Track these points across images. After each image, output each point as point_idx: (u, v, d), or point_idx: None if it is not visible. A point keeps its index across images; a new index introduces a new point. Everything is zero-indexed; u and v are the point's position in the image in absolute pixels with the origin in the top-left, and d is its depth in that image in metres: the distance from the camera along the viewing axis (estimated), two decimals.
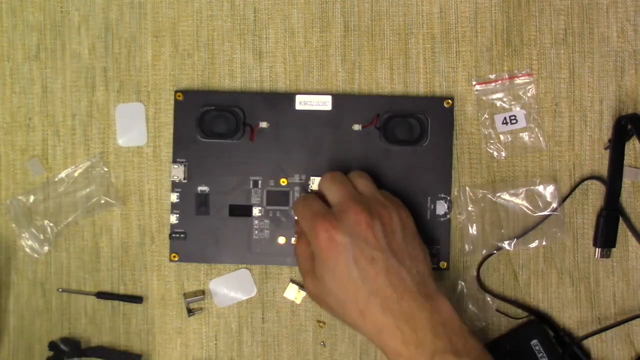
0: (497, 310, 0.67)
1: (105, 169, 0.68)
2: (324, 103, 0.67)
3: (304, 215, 0.60)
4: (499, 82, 0.68)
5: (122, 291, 0.68)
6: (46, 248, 0.68)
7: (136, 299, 0.68)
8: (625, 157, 0.66)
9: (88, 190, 0.68)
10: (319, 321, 0.68)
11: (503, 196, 0.67)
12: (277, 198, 0.67)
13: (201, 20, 0.69)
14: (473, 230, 0.67)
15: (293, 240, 0.67)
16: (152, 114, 0.69)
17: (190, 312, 0.68)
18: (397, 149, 0.67)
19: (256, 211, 0.67)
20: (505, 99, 0.67)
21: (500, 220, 0.67)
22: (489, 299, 0.67)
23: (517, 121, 0.67)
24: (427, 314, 0.55)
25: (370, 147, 0.67)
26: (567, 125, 0.68)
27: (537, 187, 0.67)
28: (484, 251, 0.67)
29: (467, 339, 0.55)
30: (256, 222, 0.67)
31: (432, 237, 0.66)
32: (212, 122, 0.67)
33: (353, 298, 0.57)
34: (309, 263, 0.60)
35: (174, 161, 0.68)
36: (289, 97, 0.67)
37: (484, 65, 0.68)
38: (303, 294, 0.68)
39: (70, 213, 0.68)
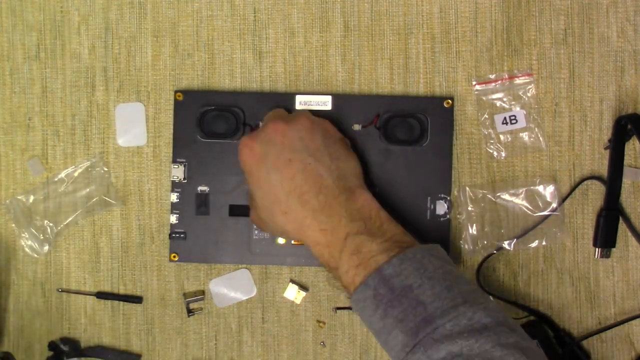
0: None
1: (105, 169, 0.68)
2: (324, 103, 0.67)
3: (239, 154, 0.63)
4: (499, 82, 0.68)
5: (122, 291, 0.68)
6: (46, 248, 0.68)
7: (136, 299, 0.68)
8: (625, 157, 0.66)
9: (88, 190, 0.68)
10: (318, 321, 0.68)
11: (503, 196, 0.67)
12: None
13: (201, 20, 0.69)
14: (473, 230, 0.67)
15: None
16: (152, 114, 0.69)
17: (190, 312, 0.68)
18: (397, 149, 0.67)
19: None
20: (505, 99, 0.67)
21: (500, 220, 0.67)
22: None
23: (517, 121, 0.67)
24: (341, 202, 0.58)
25: (370, 147, 0.67)
26: (567, 125, 0.68)
27: (537, 187, 0.67)
28: (484, 251, 0.67)
29: (383, 222, 0.58)
30: None
31: (432, 237, 0.66)
32: (212, 122, 0.67)
33: (276, 201, 0.59)
34: (250, 198, 0.63)
35: (174, 161, 0.68)
36: (289, 97, 0.67)
37: (484, 65, 0.68)
38: (303, 294, 0.68)
39: (70, 213, 0.68)
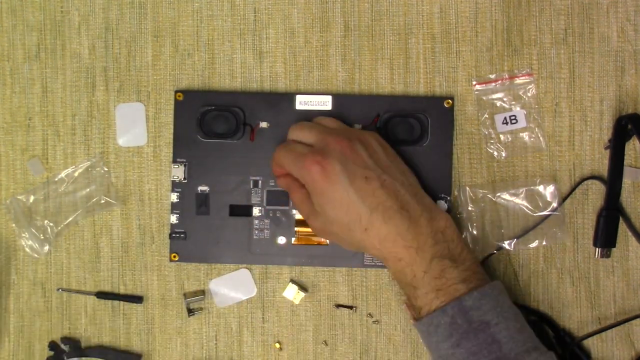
0: None
1: (105, 169, 0.68)
2: (324, 103, 0.67)
3: (290, 160, 0.61)
4: (499, 82, 0.68)
5: (122, 291, 0.68)
6: (46, 248, 0.68)
7: (136, 299, 0.68)
8: (625, 157, 0.66)
9: (88, 190, 0.68)
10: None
11: (503, 196, 0.67)
12: (277, 198, 0.67)
13: (201, 20, 0.69)
14: (473, 230, 0.67)
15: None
16: (152, 114, 0.69)
17: (190, 312, 0.68)
18: (397, 149, 0.66)
19: (256, 211, 0.67)
20: (505, 99, 0.67)
21: (500, 220, 0.67)
22: None
23: (517, 121, 0.67)
24: (426, 222, 0.58)
25: None
26: (567, 125, 0.68)
27: (537, 187, 0.67)
28: (484, 251, 0.67)
29: (463, 248, 0.59)
30: (256, 222, 0.67)
31: None
32: (212, 122, 0.67)
33: (356, 219, 0.58)
34: (308, 204, 0.62)
35: (174, 161, 0.68)
36: (289, 97, 0.67)
37: (484, 65, 0.68)
38: (302, 294, 0.68)
39: (70, 213, 0.68)
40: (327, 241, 0.67)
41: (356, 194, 0.58)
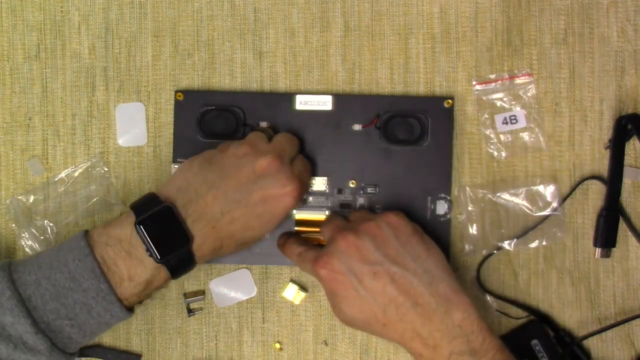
0: (497, 310, 0.67)
1: (106, 169, 0.68)
2: (324, 103, 0.67)
3: (303, 266, 0.62)
4: (499, 82, 0.68)
5: None
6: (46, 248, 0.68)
7: None
8: (625, 157, 0.66)
9: (88, 190, 0.68)
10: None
11: (503, 196, 0.67)
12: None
13: (201, 20, 0.69)
14: (473, 230, 0.67)
15: None
16: (152, 114, 0.69)
17: (190, 312, 0.68)
18: (397, 149, 0.67)
19: None
20: (505, 99, 0.67)
21: (501, 220, 0.67)
22: (489, 299, 0.67)
23: (517, 121, 0.67)
24: (442, 316, 0.56)
25: (370, 147, 0.67)
26: (567, 125, 0.68)
27: (537, 187, 0.67)
28: (484, 251, 0.67)
29: (485, 337, 0.56)
30: None
31: (432, 237, 0.66)
32: (212, 122, 0.67)
33: (372, 316, 0.58)
34: (330, 301, 0.61)
35: (174, 161, 0.68)
36: (289, 97, 0.67)
37: (484, 65, 0.68)
38: (302, 294, 0.68)
39: (70, 213, 0.68)
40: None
41: (367, 293, 0.57)
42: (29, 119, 0.69)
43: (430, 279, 0.58)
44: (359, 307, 0.58)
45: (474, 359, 0.55)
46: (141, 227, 0.57)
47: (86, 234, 0.58)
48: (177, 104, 0.68)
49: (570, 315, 0.67)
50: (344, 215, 0.65)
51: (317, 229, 0.65)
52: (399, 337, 0.58)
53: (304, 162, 0.64)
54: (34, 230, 0.68)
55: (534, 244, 0.67)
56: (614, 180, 0.66)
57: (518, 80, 0.68)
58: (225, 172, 0.59)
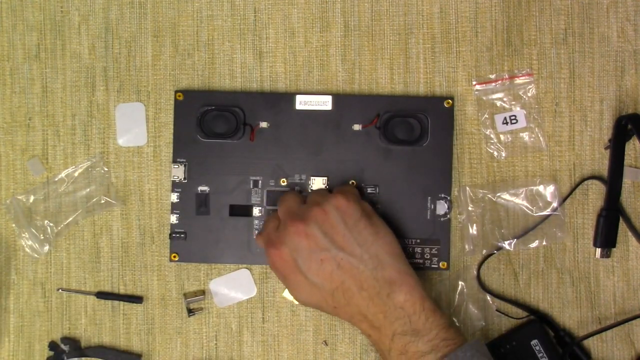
0: (497, 310, 0.67)
1: (105, 169, 0.68)
2: (324, 103, 0.67)
3: (261, 242, 0.64)
4: (499, 82, 0.68)
5: (122, 291, 0.68)
6: (46, 248, 0.68)
7: (136, 299, 0.68)
8: (625, 157, 0.66)
9: (88, 190, 0.68)
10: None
11: (503, 196, 0.67)
12: (277, 198, 0.67)
13: (201, 20, 0.69)
14: (473, 230, 0.67)
15: None
16: (152, 114, 0.69)
17: (190, 312, 0.68)
18: (397, 149, 0.67)
19: (256, 211, 0.67)
20: (505, 99, 0.67)
21: (501, 220, 0.67)
22: (489, 299, 0.67)
23: (517, 121, 0.67)
24: (384, 299, 0.58)
25: (370, 147, 0.67)
26: (567, 125, 0.68)
27: (537, 187, 0.67)
28: (484, 251, 0.67)
29: (428, 316, 0.58)
30: (256, 222, 0.67)
31: (432, 237, 0.66)
32: (212, 122, 0.67)
33: (322, 300, 0.60)
34: (282, 283, 0.64)
35: (174, 161, 0.68)
36: (289, 97, 0.67)
37: (484, 65, 0.68)
38: None
39: (70, 213, 0.68)
40: None
41: (315, 279, 0.59)
42: (29, 119, 0.69)
43: (376, 263, 0.59)
44: (308, 292, 0.60)
45: (416, 338, 0.57)
46: None
47: None
48: (177, 104, 0.68)
49: (570, 315, 0.67)
50: (301, 191, 0.67)
51: None
52: (349, 319, 0.60)
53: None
54: (34, 230, 0.68)
55: (534, 244, 0.67)
56: (613, 180, 0.66)
57: (518, 80, 0.68)
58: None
